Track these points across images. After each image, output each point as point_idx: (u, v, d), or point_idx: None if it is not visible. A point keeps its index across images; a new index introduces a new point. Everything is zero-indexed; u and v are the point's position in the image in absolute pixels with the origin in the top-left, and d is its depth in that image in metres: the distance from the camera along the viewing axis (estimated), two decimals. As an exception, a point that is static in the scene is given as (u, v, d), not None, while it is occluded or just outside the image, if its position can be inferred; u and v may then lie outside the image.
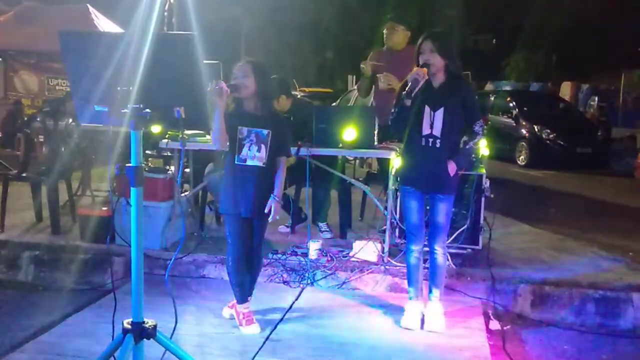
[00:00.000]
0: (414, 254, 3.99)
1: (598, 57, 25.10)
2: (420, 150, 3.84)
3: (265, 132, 3.69)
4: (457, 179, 3.96)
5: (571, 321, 4.43)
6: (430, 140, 3.80)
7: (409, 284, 4.07)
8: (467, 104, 3.81)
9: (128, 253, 3.17)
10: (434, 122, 3.78)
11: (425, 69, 3.72)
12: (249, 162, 3.69)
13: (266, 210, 3.72)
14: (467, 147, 3.90)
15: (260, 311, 4.15)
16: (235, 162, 3.70)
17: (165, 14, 11.98)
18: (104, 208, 5.39)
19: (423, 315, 3.99)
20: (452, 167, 3.82)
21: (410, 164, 3.94)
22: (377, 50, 5.72)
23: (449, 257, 4.65)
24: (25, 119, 8.93)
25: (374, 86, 5.66)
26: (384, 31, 5.62)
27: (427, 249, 4.05)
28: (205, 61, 3.23)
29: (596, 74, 24.24)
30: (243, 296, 3.89)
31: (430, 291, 4.03)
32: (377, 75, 5.40)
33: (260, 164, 3.70)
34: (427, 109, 3.79)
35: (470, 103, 3.84)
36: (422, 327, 3.94)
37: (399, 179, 4.16)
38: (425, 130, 3.80)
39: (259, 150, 3.69)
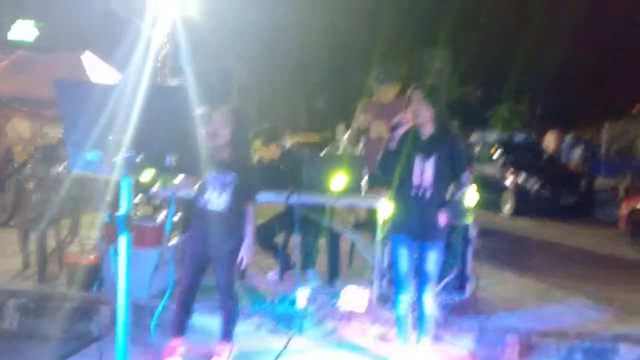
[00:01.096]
0: (402, 304, 3.99)
1: (581, 108, 25.62)
2: (410, 200, 3.90)
3: (228, 178, 3.82)
4: (446, 228, 4.01)
5: (559, 372, 4.42)
6: (420, 190, 3.87)
7: (399, 334, 4.07)
8: (454, 155, 3.90)
9: (115, 301, 3.17)
10: (424, 172, 3.86)
11: (411, 114, 3.83)
12: (209, 207, 3.83)
13: (243, 262, 3.88)
14: (455, 197, 3.97)
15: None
16: (199, 206, 3.86)
17: (159, 64, 12.15)
18: (92, 256, 5.36)
19: None
20: (442, 217, 3.87)
21: (401, 213, 3.99)
22: (367, 101, 5.80)
23: (437, 307, 4.64)
24: (17, 165, 8.93)
25: (362, 136, 5.75)
26: (373, 87, 5.70)
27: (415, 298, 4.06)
28: (199, 110, 3.31)
29: (579, 124, 24.68)
30: (179, 329, 4.00)
31: (418, 339, 4.03)
32: (369, 123, 5.46)
33: (219, 209, 3.82)
34: (417, 158, 3.87)
35: (457, 154, 3.92)
36: None
37: (389, 227, 4.20)
38: (416, 180, 3.87)
39: (219, 196, 3.82)
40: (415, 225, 3.91)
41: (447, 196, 3.98)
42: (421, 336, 4.02)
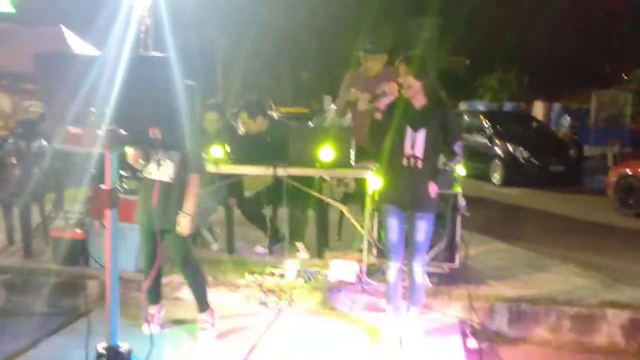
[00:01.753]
0: (393, 271, 4.02)
1: (569, 77, 25.65)
2: (402, 170, 3.89)
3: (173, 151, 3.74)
4: (437, 199, 4.01)
5: (548, 338, 4.46)
6: (412, 160, 3.85)
7: (388, 300, 4.10)
8: (447, 125, 3.88)
9: (102, 276, 3.13)
10: (415, 143, 3.84)
11: (395, 84, 3.80)
12: (155, 177, 3.79)
13: (181, 231, 3.78)
14: (447, 167, 3.97)
15: (238, 332, 4.11)
16: (144, 176, 3.86)
17: (142, 35, 11.96)
18: (78, 230, 5.31)
19: (400, 335, 3.99)
20: (433, 188, 3.87)
21: (392, 183, 3.98)
22: (354, 72, 5.73)
23: (427, 276, 4.65)
24: (-2, 140, 8.79)
25: (350, 108, 5.68)
26: (360, 57, 5.62)
27: (405, 267, 4.06)
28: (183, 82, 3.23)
29: (567, 93, 24.73)
30: (155, 297, 4.13)
31: (408, 309, 4.04)
32: (356, 97, 5.40)
33: (167, 179, 3.78)
34: (408, 129, 3.85)
35: (450, 124, 3.91)
36: (400, 345, 3.93)
37: (379, 197, 4.19)
38: (407, 151, 3.86)
39: (163, 166, 3.77)
40: (406, 196, 3.91)
41: (439, 165, 3.97)
42: (411, 306, 4.04)
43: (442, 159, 3.98)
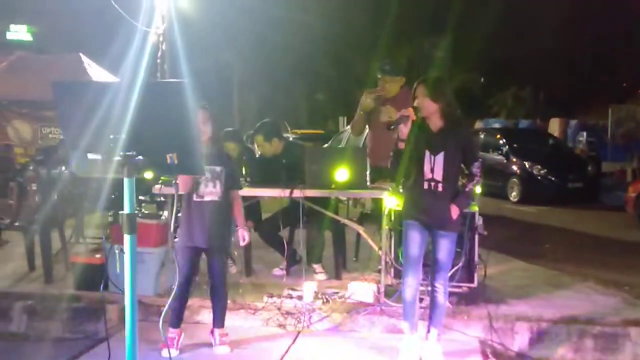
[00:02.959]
0: (410, 289, 3.96)
1: (585, 93, 25.52)
2: (423, 193, 3.90)
3: (218, 169, 4.05)
4: (460, 219, 4.00)
5: (570, 358, 4.39)
6: (432, 184, 3.86)
7: (405, 318, 4.04)
8: (465, 147, 3.89)
9: (122, 300, 3.14)
10: (434, 167, 3.84)
11: (411, 109, 3.84)
12: (207, 198, 4.04)
13: (243, 242, 4.18)
14: (466, 189, 3.96)
15: (257, 355, 4.10)
16: (194, 199, 4.04)
17: (158, 60, 12.13)
18: (97, 255, 5.35)
19: (420, 357, 3.95)
20: (454, 210, 3.87)
21: (414, 203, 3.97)
22: (372, 90, 5.73)
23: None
24: (18, 167, 8.93)
25: (367, 126, 5.70)
26: (378, 79, 5.63)
27: (424, 287, 4.03)
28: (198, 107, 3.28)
29: (584, 109, 24.59)
30: (176, 321, 4.18)
31: (428, 330, 4.00)
32: (380, 108, 5.39)
33: (216, 198, 4.04)
34: (427, 153, 3.86)
35: (468, 147, 3.94)
36: None
37: (402, 214, 4.16)
38: (427, 175, 3.87)
39: (214, 187, 4.04)
40: (429, 216, 3.90)
41: (459, 188, 3.97)
42: (431, 327, 3.99)
43: (460, 180, 3.98)
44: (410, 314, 4.01)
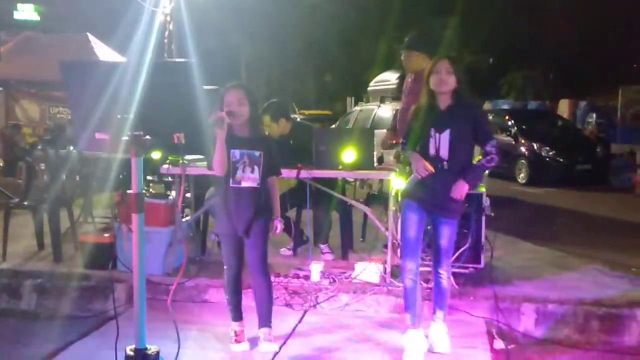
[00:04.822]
0: (409, 274, 3.80)
1: (595, 74, 25.27)
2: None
3: (257, 153, 3.80)
4: (462, 204, 3.88)
5: (576, 339, 4.40)
6: (437, 162, 3.77)
7: (406, 309, 3.87)
8: (476, 125, 3.79)
9: (130, 279, 3.18)
10: (439, 145, 3.76)
11: (431, 169, 3.73)
12: (244, 184, 3.78)
13: (277, 232, 3.92)
14: (478, 164, 3.84)
15: (263, 335, 4.14)
16: (230, 185, 3.78)
17: (165, 40, 12.10)
18: (106, 234, 5.39)
19: (427, 337, 3.92)
20: (460, 185, 3.71)
21: (417, 183, 3.84)
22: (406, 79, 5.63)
23: (452, 277, 4.61)
24: (27, 147, 8.98)
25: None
26: (402, 58, 5.51)
27: (425, 268, 4.00)
28: (205, 87, 3.27)
29: (593, 91, 24.37)
30: (237, 314, 3.98)
31: (434, 312, 3.98)
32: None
33: (254, 184, 3.80)
34: (432, 131, 3.78)
35: (479, 124, 3.82)
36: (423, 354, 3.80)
37: (401, 193, 4.06)
38: (432, 153, 3.77)
39: (252, 172, 3.79)
40: (431, 197, 3.79)
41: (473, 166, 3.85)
42: (437, 309, 3.96)
43: (476, 160, 3.89)
44: (412, 302, 3.84)
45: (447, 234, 3.84)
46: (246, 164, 3.77)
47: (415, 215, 3.83)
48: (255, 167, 3.79)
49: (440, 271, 3.90)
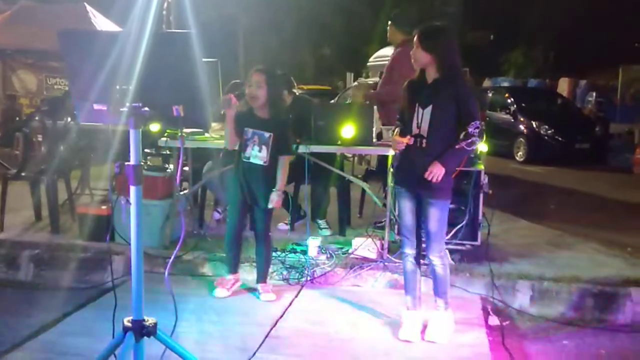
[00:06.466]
0: (408, 258, 3.80)
1: (596, 53, 25.12)
2: (409, 150, 3.64)
3: (266, 135, 4.18)
4: (449, 183, 3.68)
5: (570, 316, 4.44)
6: (418, 140, 3.60)
7: (406, 292, 3.87)
8: (459, 102, 3.55)
9: (128, 251, 3.18)
10: (421, 121, 3.59)
11: (406, 141, 3.63)
12: (252, 160, 4.21)
13: (274, 205, 4.24)
14: (455, 147, 3.55)
15: (260, 307, 4.16)
16: (242, 159, 4.23)
17: (164, 12, 11.96)
18: (103, 206, 5.39)
19: (424, 323, 3.84)
20: (436, 167, 3.51)
21: (400, 164, 3.78)
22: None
23: (448, 254, 4.61)
24: (24, 118, 8.92)
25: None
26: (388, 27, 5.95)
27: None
28: (203, 59, 3.23)
29: (594, 69, 24.25)
30: (232, 267, 4.49)
31: (435, 301, 3.83)
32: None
33: (262, 162, 4.20)
34: (417, 107, 3.62)
35: (462, 100, 3.56)
36: (422, 338, 3.76)
37: (392, 173, 4.08)
38: (414, 130, 3.61)
39: (260, 151, 4.19)
40: (413, 177, 3.65)
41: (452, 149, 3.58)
42: (436, 297, 3.81)
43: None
44: (411, 287, 3.83)
45: (434, 216, 3.63)
46: (256, 142, 4.19)
47: (407, 202, 3.76)
48: (264, 147, 4.18)
49: (432, 257, 3.71)
